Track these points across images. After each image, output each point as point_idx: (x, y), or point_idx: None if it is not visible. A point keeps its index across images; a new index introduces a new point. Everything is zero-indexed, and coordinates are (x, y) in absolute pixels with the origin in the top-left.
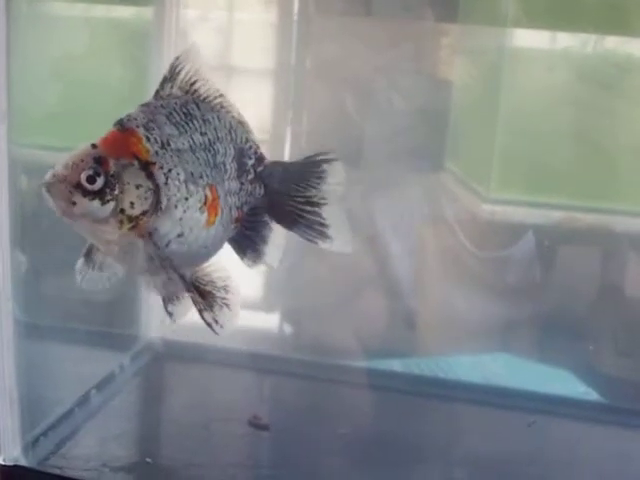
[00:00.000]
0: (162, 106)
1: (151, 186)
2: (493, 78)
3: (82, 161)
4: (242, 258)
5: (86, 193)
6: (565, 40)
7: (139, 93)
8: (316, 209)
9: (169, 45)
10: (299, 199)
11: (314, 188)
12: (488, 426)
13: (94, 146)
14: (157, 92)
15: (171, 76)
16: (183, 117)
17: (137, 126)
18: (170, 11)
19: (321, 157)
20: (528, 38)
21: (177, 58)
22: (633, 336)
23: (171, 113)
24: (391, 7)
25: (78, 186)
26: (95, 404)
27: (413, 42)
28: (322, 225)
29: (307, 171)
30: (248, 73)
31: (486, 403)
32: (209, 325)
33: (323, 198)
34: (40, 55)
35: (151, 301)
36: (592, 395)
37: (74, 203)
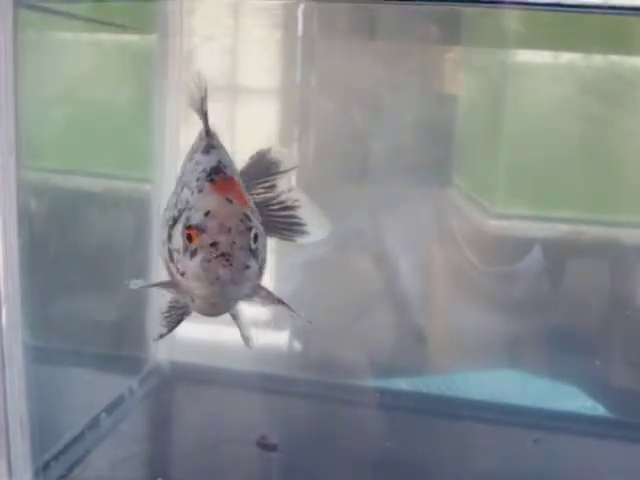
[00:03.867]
0: None
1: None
2: (498, 93)
3: (241, 221)
4: None
5: (254, 254)
6: (569, 54)
7: (143, 116)
8: (291, 212)
9: (173, 69)
10: (274, 207)
11: (273, 186)
12: (495, 443)
13: (230, 201)
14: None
15: None
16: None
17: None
18: (174, 37)
19: (266, 155)
20: (531, 53)
21: None
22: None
23: None
24: (396, 29)
25: (249, 249)
26: (105, 427)
27: (417, 60)
28: (300, 225)
29: (261, 172)
30: (255, 93)
31: (493, 420)
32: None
33: (296, 200)
34: (46, 79)
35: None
36: (599, 410)
37: (248, 267)
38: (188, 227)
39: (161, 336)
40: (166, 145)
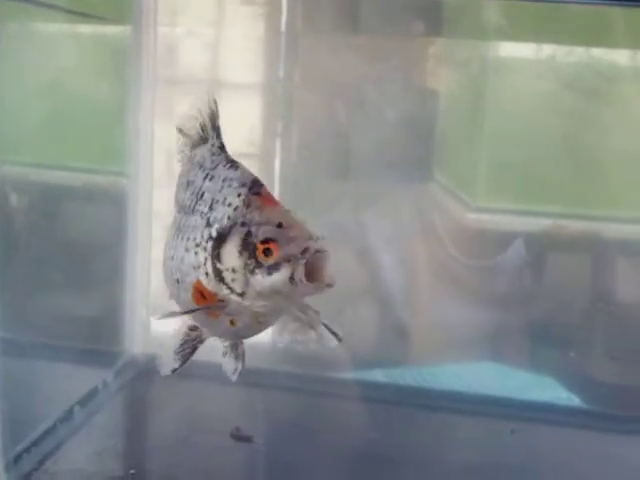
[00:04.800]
0: None
1: None
2: (479, 88)
3: (308, 229)
4: None
5: None
6: (550, 49)
7: (118, 109)
8: None
9: (148, 61)
10: None
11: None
12: (472, 434)
13: (287, 210)
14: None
15: None
16: None
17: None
18: (148, 28)
19: None
20: (513, 48)
21: None
22: (622, 341)
23: None
24: (378, 22)
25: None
26: (78, 420)
27: (399, 55)
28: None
29: None
30: (236, 87)
31: (470, 412)
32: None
33: None
34: (19, 72)
35: (135, 317)
36: (574, 401)
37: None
38: (265, 242)
39: (174, 370)
40: (141, 138)
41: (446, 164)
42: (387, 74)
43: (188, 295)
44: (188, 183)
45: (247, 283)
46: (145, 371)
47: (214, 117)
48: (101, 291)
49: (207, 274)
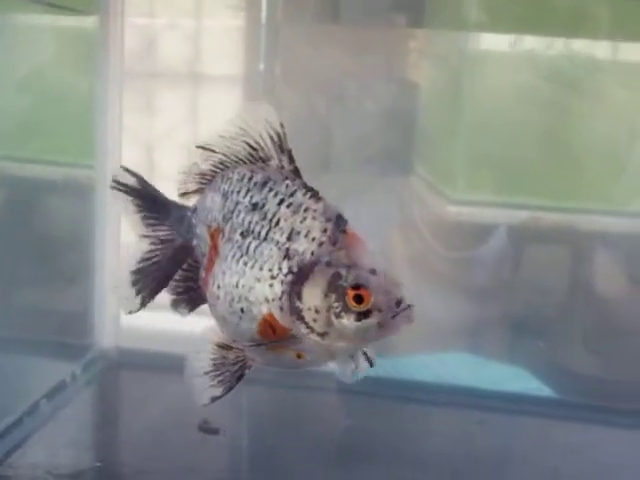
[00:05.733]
0: None
1: None
2: (459, 80)
3: (396, 277)
4: None
5: None
6: (530, 42)
7: (85, 100)
8: None
9: (115, 52)
10: None
11: None
12: (445, 425)
13: (372, 252)
14: None
15: None
16: None
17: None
18: (115, 19)
19: None
20: (493, 40)
21: None
22: (598, 333)
23: None
24: (359, 14)
25: None
26: (45, 413)
27: (380, 47)
28: None
29: None
30: (216, 80)
31: (444, 403)
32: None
33: None
34: None
35: (105, 310)
36: (544, 391)
37: None
38: (356, 287)
39: (213, 399)
40: (108, 130)
41: (426, 157)
42: (368, 66)
43: (252, 326)
44: (254, 206)
45: (329, 324)
46: (115, 364)
47: (281, 139)
48: (70, 284)
49: (282, 308)
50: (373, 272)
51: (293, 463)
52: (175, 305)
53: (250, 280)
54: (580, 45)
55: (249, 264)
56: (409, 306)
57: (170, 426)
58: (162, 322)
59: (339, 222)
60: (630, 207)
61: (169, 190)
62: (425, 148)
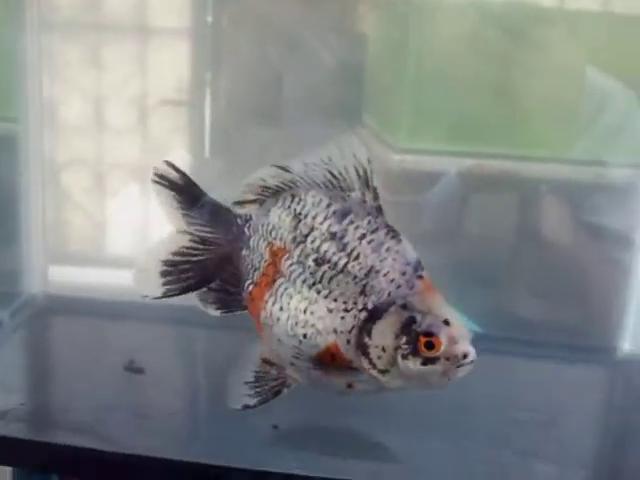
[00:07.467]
0: None
1: None
2: (405, 30)
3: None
4: None
5: None
6: None
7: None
8: None
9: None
10: None
11: None
12: None
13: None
14: None
15: None
16: None
17: None
18: None
19: None
20: None
21: None
22: (543, 278)
23: None
24: None
25: None
26: None
27: None
28: None
29: None
30: (162, 32)
31: None
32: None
33: None
34: None
35: (32, 258)
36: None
37: None
38: (428, 334)
39: (246, 407)
40: (28, 83)
41: (373, 108)
42: (317, 18)
43: (311, 351)
44: (332, 235)
45: (393, 364)
46: (44, 310)
47: (368, 175)
48: None
49: (348, 341)
50: (447, 322)
51: (205, 400)
52: (204, 299)
53: (321, 309)
54: None
55: (322, 293)
56: (472, 361)
57: (96, 367)
58: (90, 272)
59: (417, 267)
60: (572, 154)
61: (122, 149)
62: (372, 99)
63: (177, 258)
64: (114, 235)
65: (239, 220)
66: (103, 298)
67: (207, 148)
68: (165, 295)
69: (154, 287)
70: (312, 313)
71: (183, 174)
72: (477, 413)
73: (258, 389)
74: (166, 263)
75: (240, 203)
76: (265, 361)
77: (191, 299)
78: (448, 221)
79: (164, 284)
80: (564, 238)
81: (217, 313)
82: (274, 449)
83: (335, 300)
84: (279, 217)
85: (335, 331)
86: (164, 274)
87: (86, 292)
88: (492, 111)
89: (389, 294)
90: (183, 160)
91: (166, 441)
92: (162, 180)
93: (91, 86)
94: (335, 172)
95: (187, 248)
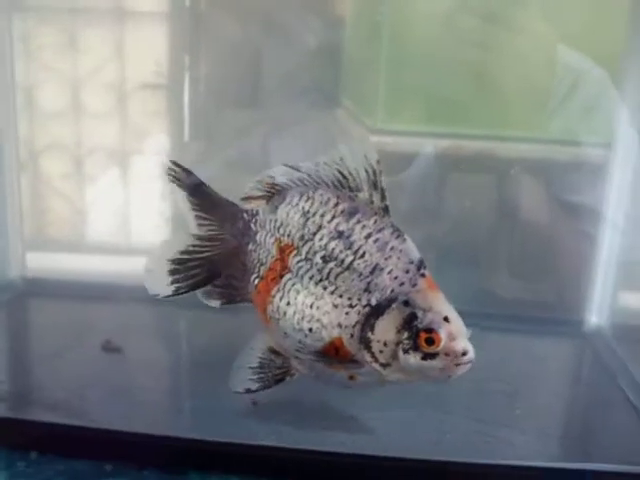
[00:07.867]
0: None
1: None
2: (380, 11)
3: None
4: None
5: None
6: None
7: None
8: None
9: None
10: None
11: None
12: None
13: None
14: None
15: None
16: None
17: None
18: None
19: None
20: None
21: None
22: (521, 257)
23: None
24: None
25: None
26: None
27: None
28: None
29: None
30: (141, 16)
31: None
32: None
33: None
34: None
35: (9, 242)
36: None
37: None
38: (429, 331)
39: (248, 391)
40: None
41: (351, 89)
42: (294, 0)
43: (315, 344)
44: (339, 233)
45: (394, 358)
46: (21, 293)
47: (376, 176)
48: None
49: (352, 335)
50: (446, 319)
51: (181, 377)
52: (208, 295)
53: (327, 304)
54: None
55: (329, 289)
56: (471, 360)
57: (74, 347)
58: (66, 257)
59: (420, 265)
60: (548, 134)
61: (100, 133)
62: (350, 80)
63: (185, 256)
64: (92, 220)
65: (246, 215)
66: (81, 280)
67: (186, 131)
68: (175, 293)
69: (163, 286)
70: (318, 308)
71: (187, 171)
72: (451, 385)
73: (261, 375)
74: (174, 262)
75: (247, 199)
76: (271, 350)
77: None
78: (424, 201)
79: (173, 282)
80: (535, 215)
81: (217, 304)
82: (252, 423)
83: (340, 296)
84: (287, 214)
85: (340, 325)
86: (173, 272)
87: (63, 275)
88: (468, 92)
89: (392, 291)
90: (161, 143)
91: (145, 417)
92: (175, 180)
93: (68, 70)
94: (345, 172)
95: (194, 246)
